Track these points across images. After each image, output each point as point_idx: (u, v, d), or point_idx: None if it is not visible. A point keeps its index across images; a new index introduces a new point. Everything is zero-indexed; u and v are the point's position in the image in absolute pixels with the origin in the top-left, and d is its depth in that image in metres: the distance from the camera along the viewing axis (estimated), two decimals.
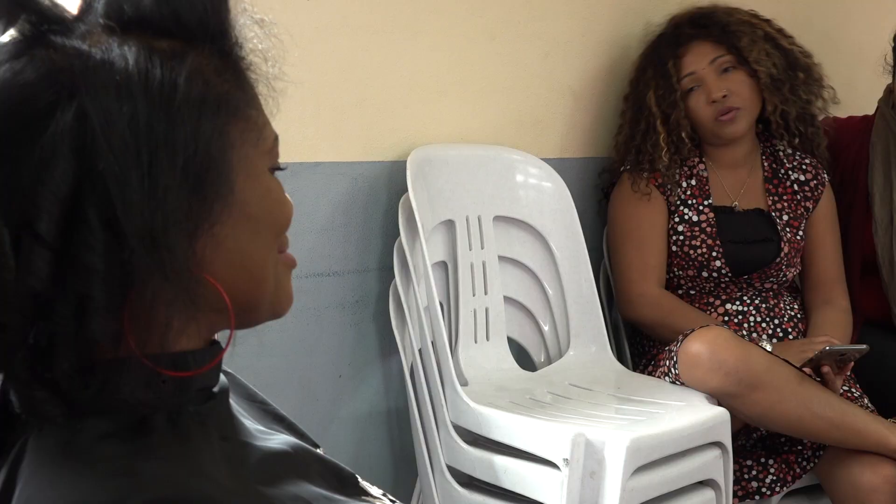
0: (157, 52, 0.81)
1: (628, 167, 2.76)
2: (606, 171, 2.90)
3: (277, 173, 0.92)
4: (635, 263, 2.72)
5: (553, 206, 2.67)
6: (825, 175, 2.86)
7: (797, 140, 2.83)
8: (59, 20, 0.81)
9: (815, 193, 2.83)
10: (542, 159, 2.70)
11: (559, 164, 2.73)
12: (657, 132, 2.74)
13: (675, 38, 2.79)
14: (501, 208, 2.63)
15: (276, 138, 0.92)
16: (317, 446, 1.05)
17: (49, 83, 0.78)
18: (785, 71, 2.75)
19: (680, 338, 2.47)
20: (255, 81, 0.89)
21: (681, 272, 2.72)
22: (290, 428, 1.06)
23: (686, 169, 2.76)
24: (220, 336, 0.91)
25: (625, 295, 2.74)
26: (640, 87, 2.81)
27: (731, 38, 2.73)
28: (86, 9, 0.84)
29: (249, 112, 0.88)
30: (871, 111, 3.06)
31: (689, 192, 2.74)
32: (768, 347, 2.55)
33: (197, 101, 0.81)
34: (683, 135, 2.74)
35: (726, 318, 2.69)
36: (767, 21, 2.83)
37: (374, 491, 1.04)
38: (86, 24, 0.83)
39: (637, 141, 2.78)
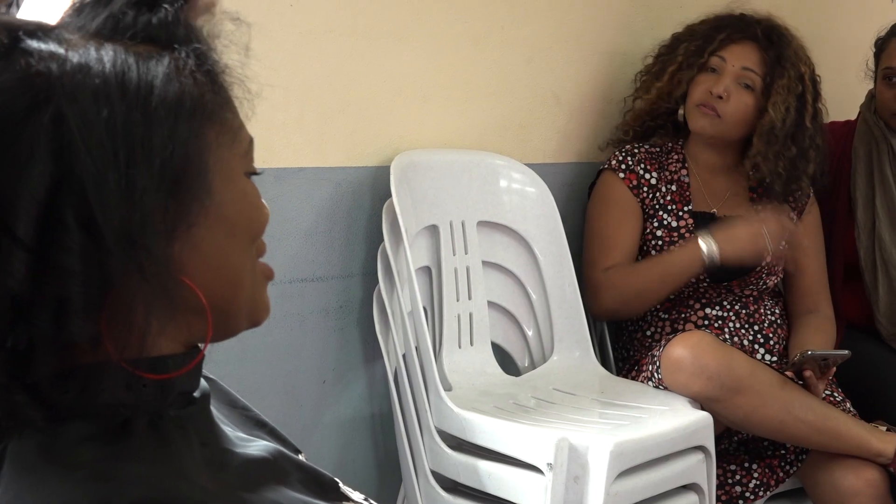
0: (134, 55, 0.82)
1: (606, 165, 2.76)
2: (610, 143, 2.89)
3: (253, 178, 0.92)
4: (594, 261, 2.70)
5: (536, 211, 2.67)
6: (810, 186, 2.85)
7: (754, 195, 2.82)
8: (35, 26, 0.82)
9: (800, 204, 2.83)
10: (525, 164, 2.70)
11: (543, 170, 2.74)
12: (661, 78, 2.77)
13: (747, 26, 2.75)
14: (485, 213, 2.63)
15: (251, 141, 0.92)
16: (298, 452, 1.05)
17: (25, 87, 0.78)
18: (786, 136, 2.69)
19: (663, 342, 2.47)
20: (230, 84, 0.90)
21: None
22: (272, 434, 1.06)
23: (667, 174, 2.76)
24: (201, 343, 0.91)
25: (586, 293, 2.70)
26: (687, 33, 2.80)
27: (777, 69, 2.69)
28: (65, 16, 0.85)
29: (225, 115, 0.88)
30: (853, 116, 3.08)
31: (668, 198, 2.74)
32: (707, 248, 2.56)
33: (173, 103, 0.82)
34: (674, 97, 2.75)
35: (706, 323, 2.69)
36: (818, 93, 2.76)
37: (356, 496, 1.04)
38: (64, 29, 0.83)
39: (648, 78, 2.81)
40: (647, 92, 2.79)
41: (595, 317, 2.78)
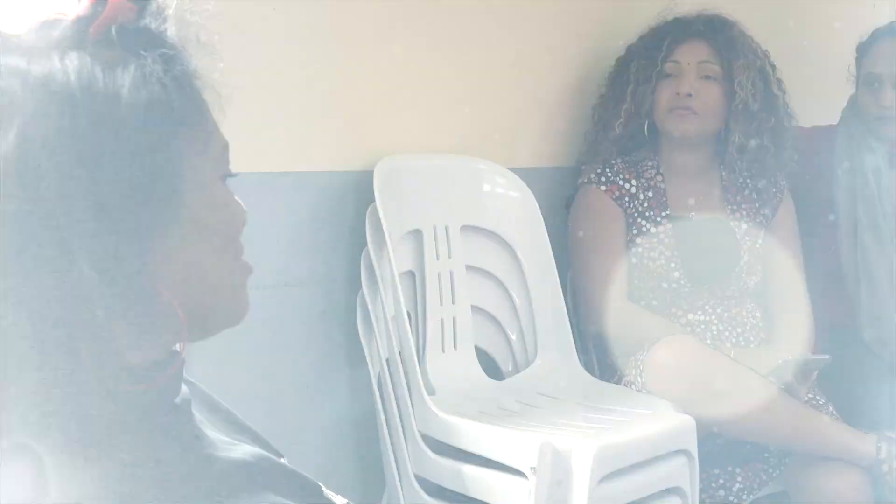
0: (99, 63, 0.81)
1: (586, 180, 2.76)
2: (584, 157, 2.88)
3: (236, 181, 0.91)
4: (596, 277, 2.70)
5: (520, 215, 2.67)
6: (784, 181, 2.86)
7: (745, 174, 2.83)
8: None
9: (774, 200, 2.84)
10: (508, 169, 2.70)
11: (526, 174, 2.74)
12: (624, 100, 2.77)
13: (685, 25, 2.79)
14: (468, 218, 2.63)
15: (225, 145, 0.91)
16: (280, 457, 1.05)
17: None
18: (761, 109, 2.73)
19: (646, 346, 2.48)
20: (201, 88, 0.89)
21: (641, 284, 2.72)
22: (254, 439, 1.05)
23: (644, 181, 2.76)
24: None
25: (586, 310, 2.73)
26: (631, 52, 2.82)
27: (730, 53, 2.73)
28: (30, 27, 0.84)
29: (195, 120, 0.87)
30: (835, 121, 3.09)
31: (646, 205, 2.74)
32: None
33: (141, 111, 0.81)
34: (642, 112, 2.76)
35: (689, 328, 2.69)
36: (773, 66, 2.82)
37: (339, 500, 1.04)
38: (27, 40, 0.82)
39: (609, 106, 2.81)
40: (617, 118, 2.79)
41: (586, 329, 2.77)
